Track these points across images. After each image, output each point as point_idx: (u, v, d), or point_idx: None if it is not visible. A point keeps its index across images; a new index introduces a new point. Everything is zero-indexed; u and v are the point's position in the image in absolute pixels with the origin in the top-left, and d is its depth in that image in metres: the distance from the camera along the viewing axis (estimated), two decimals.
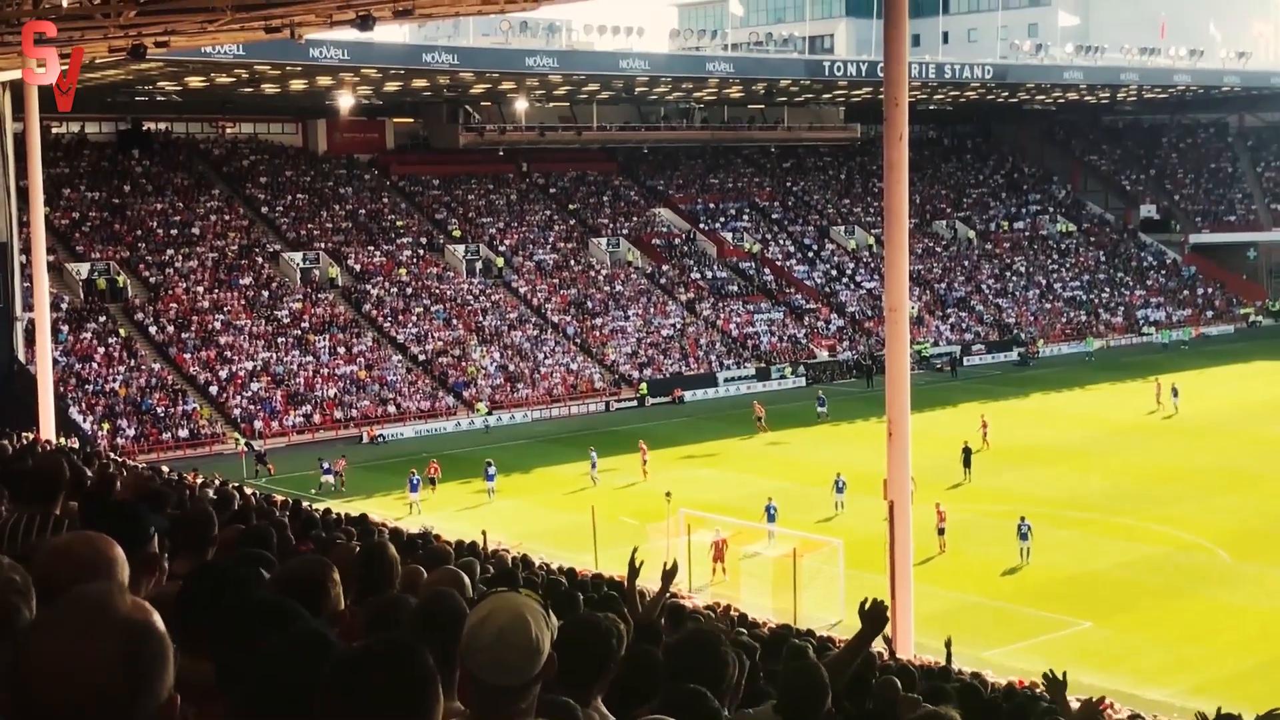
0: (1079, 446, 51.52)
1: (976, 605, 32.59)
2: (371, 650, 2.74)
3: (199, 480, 23.43)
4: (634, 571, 8.92)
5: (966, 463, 46.45)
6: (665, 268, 78.18)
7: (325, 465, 48.34)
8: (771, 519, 38.44)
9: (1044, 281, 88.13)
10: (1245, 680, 26.50)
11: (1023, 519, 36.54)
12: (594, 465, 47.97)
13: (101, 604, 2.32)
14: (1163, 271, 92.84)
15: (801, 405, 61.48)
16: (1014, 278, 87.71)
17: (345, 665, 2.72)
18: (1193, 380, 67.05)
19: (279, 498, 24.34)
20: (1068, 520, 39.99)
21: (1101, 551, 37.13)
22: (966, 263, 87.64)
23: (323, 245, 70.57)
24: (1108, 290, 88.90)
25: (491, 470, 46.88)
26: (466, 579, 5.66)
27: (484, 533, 28.74)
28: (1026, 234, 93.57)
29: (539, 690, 3.45)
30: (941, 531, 37.07)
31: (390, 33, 66.94)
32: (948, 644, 15.65)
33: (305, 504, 21.40)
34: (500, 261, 73.60)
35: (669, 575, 9.00)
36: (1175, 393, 58.69)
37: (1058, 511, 40.64)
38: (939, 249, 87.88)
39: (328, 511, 21.52)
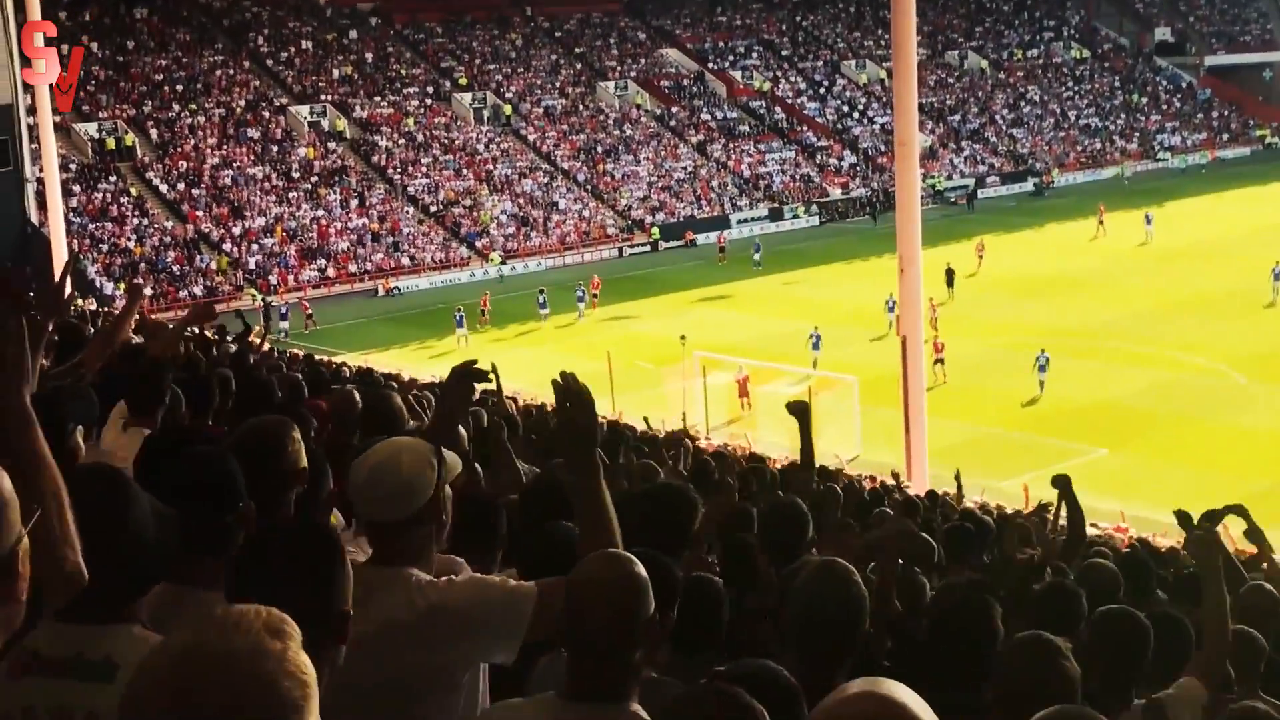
0: (1092, 275, 51.40)
1: (991, 436, 32.91)
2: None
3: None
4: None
5: (950, 283, 47.76)
6: (675, 110, 77.33)
7: (283, 310, 50.02)
8: (816, 348, 39.31)
9: (1058, 110, 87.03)
10: (1261, 500, 26.81)
11: (1041, 351, 36.73)
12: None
13: None
14: (1178, 95, 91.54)
15: (815, 244, 61.39)
16: (1028, 107, 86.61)
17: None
18: (1209, 204, 66.72)
19: (296, 352, 24.61)
20: (1081, 349, 40.09)
21: (1116, 379, 37.28)
22: (980, 93, 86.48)
23: (329, 97, 69.91)
24: (1123, 116, 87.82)
25: (543, 298, 49.54)
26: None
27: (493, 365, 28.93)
28: (1040, 62, 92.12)
29: (429, 534, 3.47)
30: (939, 362, 37.36)
31: None
32: (957, 476, 15.75)
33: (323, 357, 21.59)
34: (508, 109, 72.88)
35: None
36: (1149, 220, 58.48)
37: (1071, 340, 40.70)
38: (951, 80, 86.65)
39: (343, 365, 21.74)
